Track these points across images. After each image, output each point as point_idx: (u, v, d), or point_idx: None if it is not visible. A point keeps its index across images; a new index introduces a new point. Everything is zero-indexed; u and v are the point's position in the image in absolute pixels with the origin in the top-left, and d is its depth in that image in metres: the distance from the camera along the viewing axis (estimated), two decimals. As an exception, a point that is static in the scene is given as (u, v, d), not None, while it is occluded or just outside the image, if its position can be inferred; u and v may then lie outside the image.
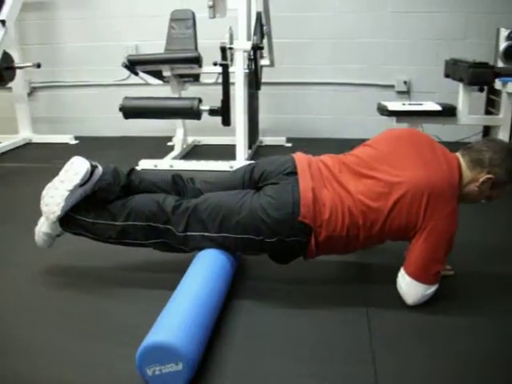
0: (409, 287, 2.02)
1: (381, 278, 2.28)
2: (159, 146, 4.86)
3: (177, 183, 2.30)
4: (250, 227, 2.02)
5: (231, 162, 4.04)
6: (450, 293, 2.12)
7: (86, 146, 5.05)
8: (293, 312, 2.00)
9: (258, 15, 4.32)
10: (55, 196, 2.06)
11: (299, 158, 2.18)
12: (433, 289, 2.01)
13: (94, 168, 2.13)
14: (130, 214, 2.12)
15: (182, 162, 4.27)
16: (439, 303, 2.04)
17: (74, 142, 5.21)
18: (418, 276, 1.99)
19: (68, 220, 2.16)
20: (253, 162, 2.30)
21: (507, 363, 1.70)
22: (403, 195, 1.95)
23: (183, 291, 1.81)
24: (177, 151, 4.54)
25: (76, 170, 2.08)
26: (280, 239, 2.01)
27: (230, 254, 2.11)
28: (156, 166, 4.07)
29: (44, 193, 2.11)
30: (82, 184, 2.09)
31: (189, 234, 2.07)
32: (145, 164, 4.08)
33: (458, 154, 2.12)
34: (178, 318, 1.64)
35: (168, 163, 4.15)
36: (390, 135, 2.24)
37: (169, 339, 1.52)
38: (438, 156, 2.06)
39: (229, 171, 2.33)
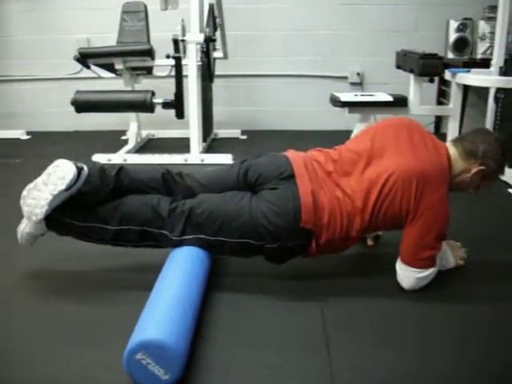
0: (402, 272, 2.07)
1: (338, 269, 2.31)
2: (113, 140, 4.80)
3: (167, 182, 2.21)
4: (250, 233, 2.01)
5: (186, 155, 4.03)
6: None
7: (39, 140, 4.95)
8: (253, 304, 2.01)
9: (211, 7, 4.30)
10: (38, 199, 1.95)
11: (294, 158, 2.14)
12: (426, 273, 2.04)
13: (79, 170, 2.01)
14: (124, 218, 2.05)
15: (136, 155, 4.24)
16: (394, 292, 2.08)
17: (25, 137, 5.10)
18: (408, 261, 2.04)
19: (56, 222, 2.08)
20: (245, 160, 2.23)
21: (457, 350, 1.73)
22: (394, 184, 1.98)
23: (172, 288, 1.79)
24: (131, 145, 4.50)
25: (61, 174, 1.96)
26: (281, 245, 2.02)
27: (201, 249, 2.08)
28: (110, 161, 4.01)
29: (25, 193, 1.99)
30: (67, 188, 1.98)
31: (185, 237, 2.04)
32: (98, 158, 4.02)
33: (449, 144, 2.16)
34: (182, 323, 1.63)
35: (122, 157, 4.11)
36: (384, 125, 2.25)
37: (180, 353, 1.51)
38: (427, 144, 2.09)
39: (221, 166, 2.24)
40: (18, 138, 5.04)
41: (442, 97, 4.95)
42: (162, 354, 1.48)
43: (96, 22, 5.07)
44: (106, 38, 4.63)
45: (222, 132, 5.09)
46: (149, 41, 4.44)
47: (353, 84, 5.17)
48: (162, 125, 4.85)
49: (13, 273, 2.25)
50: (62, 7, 5.11)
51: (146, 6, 4.53)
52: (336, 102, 3.77)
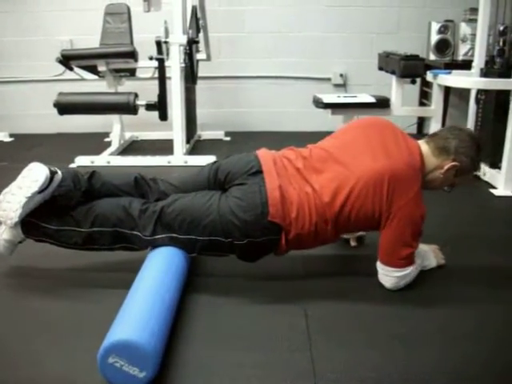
0: (383, 273, 2.10)
1: (321, 269, 2.33)
2: (96, 143, 4.79)
3: (140, 185, 2.24)
4: (219, 230, 2.01)
5: (169, 157, 4.03)
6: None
7: (22, 143, 4.92)
8: (236, 305, 2.01)
9: (194, 9, 4.30)
10: (12, 202, 2.00)
11: (263, 155, 2.17)
12: (406, 272, 2.06)
13: (53, 174, 2.05)
14: (96, 220, 2.07)
15: (119, 157, 4.22)
16: (378, 293, 2.10)
17: (8, 139, 5.08)
18: (386, 261, 2.07)
19: (31, 227, 2.10)
20: (217, 161, 2.27)
21: (440, 351, 1.74)
22: (365, 185, 1.98)
23: (145, 289, 1.79)
24: (114, 147, 4.49)
25: (35, 176, 2.00)
26: (250, 241, 2.01)
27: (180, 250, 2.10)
28: (93, 163, 4.01)
29: (0, 198, 2.04)
30: (41, 191, 2.02)
31: (157, 237, 2.05)
32: (81, 161, 4.02)
33: (422, 142, 2.17)
34: (151, 320, 1.62)
35: (105, 159, 4.10)
36: (356, 125, 2.28)
37: (149, 348, 1.51)
38: (399, 142, 2.09)
39: (197, 167, 2.27)
40: (1, 141, 5.02)
41: (424, 98, 4.99)
42: (132, 353, 1.49)
43: (79, 24, 5.05)
44: (89, 39, 4.61)
45: (205, 134, 5.10)
46: (132, 42, 4.44)
47: (336, 85, 5.20)
48: (145, 127, 4.84)
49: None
50: (45, 9, 5.09)
51: (129, 8, 4.53)
52: (319, 104, 3.78)
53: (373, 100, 3.80)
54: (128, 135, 4.92)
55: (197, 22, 4.39)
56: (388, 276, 2.08)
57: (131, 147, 4.80)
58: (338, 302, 2.04)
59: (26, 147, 4.69)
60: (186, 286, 2.09)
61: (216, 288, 2.14)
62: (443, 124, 4.06)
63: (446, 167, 2.09)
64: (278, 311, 1.98)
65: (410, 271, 2.07)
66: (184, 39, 3.96)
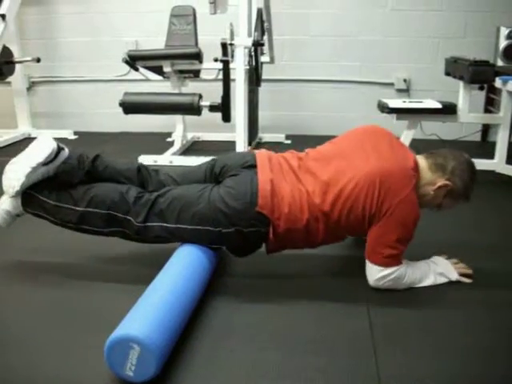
0: (367, 268, 2.13)
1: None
2: (159, 142, 4.86)
3: (141, 173, 2.31)
4: (208, 218, 2.05)
5: (231, 158, 4.04)
6: (451, 288, 2.14)
7: (85, 141, 5.04)
8: (294, 306, 2.01)
9: (259, 11, 4.32)
10: (17, 171, 2.09)
11: (260, 154, 2.24)
12: (388, 271, 2.06)
13: (60, 149, 2.15)
14: (92, 200, 2.13)
15: (181, 157, 4.28)
16: (441, 298, 2.07)
17: (73, 137, 5.20)
18: (369, 257, 2.10)
19: (30, 199, 2.17)
20: (215, 157, 2.35)
21: (508, 358, 1.70)
22: (356, 186, 2.01)
23: (152, 288, 1.81)
24: (176, 147, 4.54)
25: (41, 148, 2.10)
26: (238, 230, 2.04)
27: (209, 249, 2.14)
28: (156, 162, 4.07)
29: (7, 168, 2.13)
30: (46, 163, 2.11)
31: (148, 224, 2.10)
32: (144, 159, 4.07)
33: (420, 156, 2.19)
34: (137, 312, 1.65)
35: (168, 159, 4.15)
36: (352, 131, 2.35)
37: (113, 334, 1.53)
38: (393, 148, 2.13)
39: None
40: (66, 138, 5.12)
41: (490, 105, 4.88)
42: (117, 352, 1.51)
43: (144, 25, 5.14)
44: (155, 41, 4.70)
45: (266, 136, 5.10)
46: (197, 44, 4.49)
47: (399, 90, 5.13)
48: (207, 127, 4.89)
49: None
50: (112, 10, 5.19)
51: (194, 10, 4.58)
52: (384, 109, 3.73)
53: (439, 106, 3.73)
54: (190, 135, 4.97)
55: (262, 25, 4.40)
56: (370, 273, 2.10)
57: (193, 147, 4.85)
58: (400, 305, 2.03)
59: (89, 145, 4.78)
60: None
61: (270, 289, 2.16)
62: (511, 132, 3.96)
63: (438, 184, 2.11)
64: (339, 314, 1.97)
65: (392, 271, 2.06)
66: (249, 41, 3.98)
